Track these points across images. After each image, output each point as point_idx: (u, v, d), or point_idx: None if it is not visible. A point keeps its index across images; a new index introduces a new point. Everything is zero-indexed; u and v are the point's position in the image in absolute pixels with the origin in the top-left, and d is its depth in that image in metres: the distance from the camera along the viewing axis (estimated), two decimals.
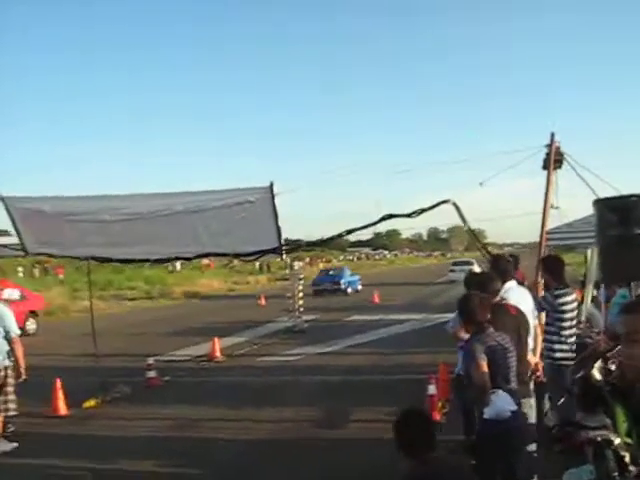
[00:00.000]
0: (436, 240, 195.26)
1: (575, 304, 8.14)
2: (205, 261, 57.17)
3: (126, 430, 10.24)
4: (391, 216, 10.01)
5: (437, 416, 9.43)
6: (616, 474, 5.64)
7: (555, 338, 7.90)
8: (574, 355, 7.95)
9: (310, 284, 41.03)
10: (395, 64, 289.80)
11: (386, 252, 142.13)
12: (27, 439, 9.55)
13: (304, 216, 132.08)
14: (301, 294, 22.66)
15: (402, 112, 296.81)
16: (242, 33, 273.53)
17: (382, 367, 14.57)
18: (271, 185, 10.01)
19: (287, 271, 60.31)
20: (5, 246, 13.64)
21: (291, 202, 10.11)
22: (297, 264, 51.82)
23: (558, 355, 7.90)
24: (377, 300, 32.69)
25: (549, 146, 9.26)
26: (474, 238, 9.96)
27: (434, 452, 4.33)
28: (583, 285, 13.47)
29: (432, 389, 9.91)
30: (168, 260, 11.50)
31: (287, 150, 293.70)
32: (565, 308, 7.87)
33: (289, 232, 10.70)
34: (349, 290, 42.86)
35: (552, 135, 9.21)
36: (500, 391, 5.44)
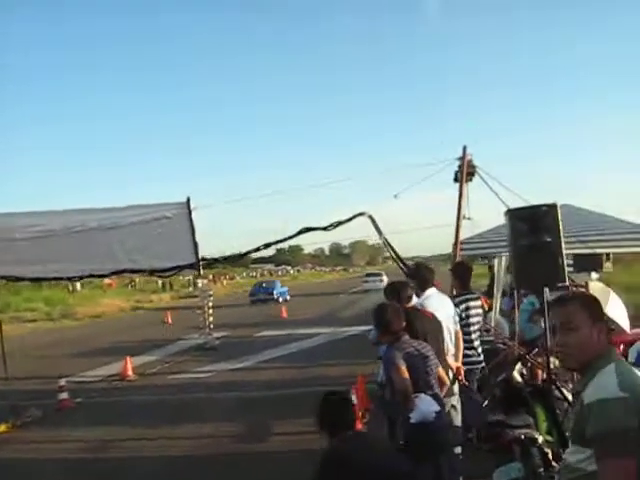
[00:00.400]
0: (338, 255, 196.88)
1: (480, 310, 8.42)
2: (107, 280, 56.00)
3: (40, 454, 9.97)
4: (308, 229, 10.13)
5: (359, 425, 9.55)
6: (541, 470, 5.90)
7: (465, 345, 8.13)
8: (480, 360, 8.26)
9: (248, 295, 50.63)
10: (311, 74, 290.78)
11: (289, 268, 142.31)
12: None
13: (215, 232, 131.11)
14: (211, 311, 22.52)
15: (317, 125, 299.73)
16: None
17: (297, 380, 14.62)
18: (188, 200, 10.02)
19: (190, 289, 60.03)
20: None
21: (204, 217, 10.10)
22: (201, 281, 51.51)
23: (465, 360, 8.16)
24: (285, 315, 32.71)
25: (461, 159, 9.58)
26: (390, 250, 10.13)
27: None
28: (486, 294, 13.87)
29: (353, 399, 10.02)
30: (82, 278, 11.25)
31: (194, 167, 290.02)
32: (470, 313, 8.13)
33: (202, 248, 10.70)
34: (280, 299, 48.26)
35: (464, 148, 9.54)
36: (422, 395, 5.61)
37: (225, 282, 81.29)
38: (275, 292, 49.64)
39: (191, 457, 9.33)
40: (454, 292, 9.45)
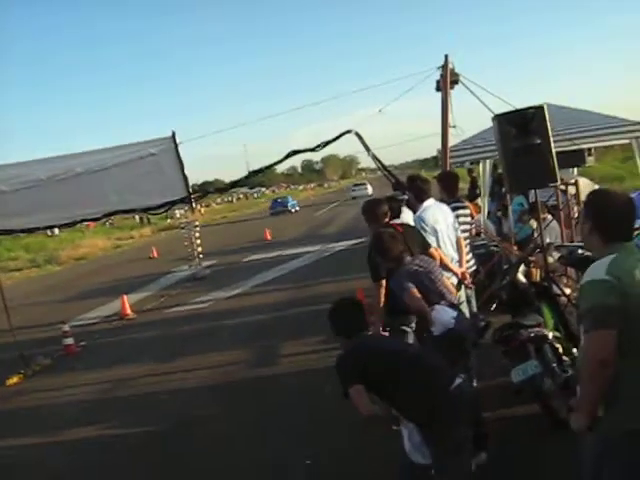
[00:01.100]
0: (311, 172, 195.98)
1: (468, 218, 8.56)
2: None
3: (59, 400, 10.16)
4: (295, 152, 10.14)
5: None
6: (555, 365, 6.15)
7: None
8: (472, 264, 8.44)
9: (269, 208, 63.75)
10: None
11: (263, 189, 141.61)
12: None
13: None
14: (199, 241, 22.55)
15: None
16: None
17: (295, 301, 14.82)
18: (173, 135, 9.96)
19: (169, 220, 59.74)
20: None
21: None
22: (178, 212, 51.35)
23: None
24: (269, 237, 32.80)
25: (443, 67, 9.55)
26: (379, 164, 10.17)
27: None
28: (466, 198, 13.97)
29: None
30: (74, 223, 11.19)
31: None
32: (459, 221, 8.26)
33: None
34: (292, 210, 61.48)
35: (446, 57, 9.50)
36: (437, 306, 5.78)
37: (202, 210, 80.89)
38: (289, 205, 62.80)
39: (205, 387, 9.56)
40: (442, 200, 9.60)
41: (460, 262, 7.58)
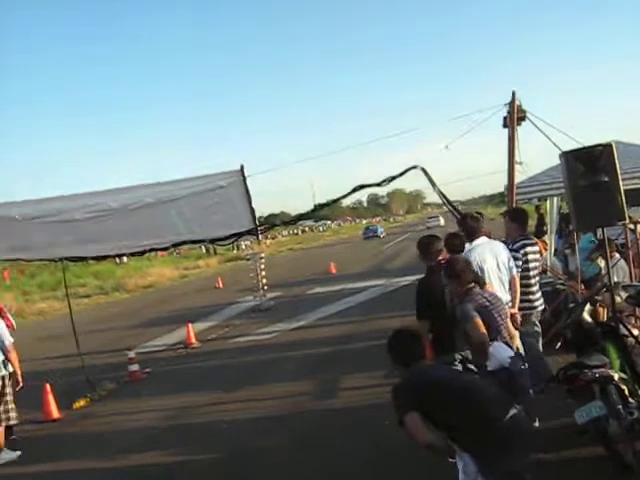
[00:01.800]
0: (376, 206, 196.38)
1: (537, 255, 8.43)
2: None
3: (123, 425, 10.30)
4: (362, 187, 10.16)
5: None
6: (620, 406, 6.00)
7: (523, 289, 8.16)
8: (540, 302, 8.31)
9: (361, 234, 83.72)
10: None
11: (328, 222, 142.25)
12: (29, 446, 9.57)
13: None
14: (264, 272, 22.73)
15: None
16: None
17: (359, 335, 14.80)
18: (242, 168, 10.09)
19: (235, 251, 60.47)
20: None
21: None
22: (244, 244, 51.96)
23: (525, 305, 8.21)
24: (334, 270, 32.87)
25: (510, 104, 9.51)
26: (444, 199, 10.15)
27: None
28: (534, 235, 13.83)
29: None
30: (144, 252, 11.45)
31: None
32: (528, 258, 8.17)
33: None
34: (381, 236, 78.30)
35: (513, 93, 9.46)
36: (495, 343, 5.74)
37: (268, 242, 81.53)
38: (378, 232, 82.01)
39: (268, 417, 9.54)
40: (509, 238, 9.51)
41: (513, 303, 7.49)
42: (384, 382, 9.91)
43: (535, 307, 8.22)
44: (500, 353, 5.68)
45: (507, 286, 7.47)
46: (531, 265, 8.17)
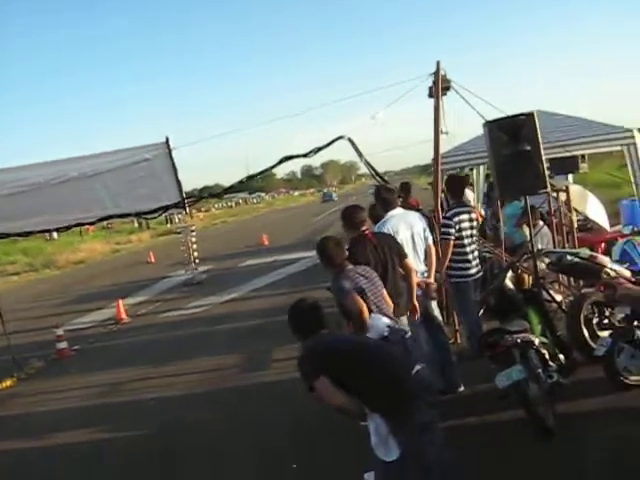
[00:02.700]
0: (310, 177, 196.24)
1: (473, 223, 8.55)
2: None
3: (51, 404, 10.18)
4: (289, 157, 10.18)
5: None
6: (540, 370, 6.21)
7: (456, 257, 8.31)
8: (476, 271, 8.45)
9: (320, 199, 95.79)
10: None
11: (263, 194, 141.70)
12: None
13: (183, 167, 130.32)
14: (195, 246, 22.60)
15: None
16: None
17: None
18: (167, 140, 9.99)
19: (168, 225, 59.84)
20: None
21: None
22: (177, 217, 51.46)
23: (458, 273, 8.37)
24: (266, 242, 32.83)
25: (435, 74, 9.59)
26: (371, 170, 10.21)
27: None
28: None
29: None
30: (69, 227, 11.26)
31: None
32: (462, 226, 8.28)
33: None
34: (335, 199, 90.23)
35: (438, 63, 9.54)
36: (372, 314, 5.87)
37: (202, 215, 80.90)
38: (333, 196, 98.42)
39: (199, 392, 9.56)
40: (444, 206, 9.67)
41: (429, 273, 7.61)
42: None
43: (471, 275, 8.34)
44: (378, 324, 5.76)
45: (422, 256, 7.59)
46: (465, 233, 8.25)
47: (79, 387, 10.81)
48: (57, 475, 7.44)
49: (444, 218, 8.50)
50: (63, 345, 13.42)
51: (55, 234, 54.01)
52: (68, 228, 11.13)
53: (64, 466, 7.64)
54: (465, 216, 8.33)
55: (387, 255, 6.77)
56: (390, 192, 7.96)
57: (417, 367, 4.59)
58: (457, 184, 8.84)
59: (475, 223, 8.63)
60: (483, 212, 14.38)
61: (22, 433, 8.96)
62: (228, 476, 6.73)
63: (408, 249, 7.26)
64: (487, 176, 14.93)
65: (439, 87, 9.57)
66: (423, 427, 4.38)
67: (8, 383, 11.63)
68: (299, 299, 5.12)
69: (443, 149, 10.21)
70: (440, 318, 8.05)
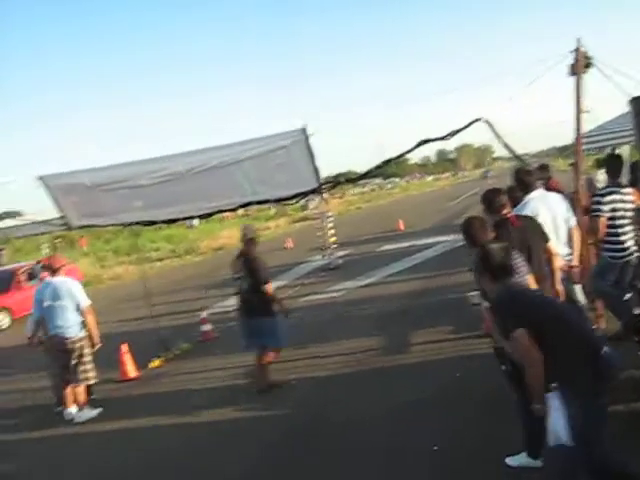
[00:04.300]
0: (445, 161, 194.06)
1: (628, 205, 8.18)
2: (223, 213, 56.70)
3: (198, 383, 10.58)
4: (425, 141, 10.06)
5: None
6: None
7: (607, 237, 8.06)
8: (629, 253, 8.10)
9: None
10: None
11: (397, 179, 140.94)
12: (108, 404, 9.93)
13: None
14: (332, 231, 22.80)
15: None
16: None
17: (430, 290, 14.77)
18: (304, 127, 10.08)
19: (305, 212, 60.62)
20: (46, 222, 13.92)
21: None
22: (312, 203, 52.04)
23: (607, 254, 8.10)
24: (402, 227, 32.72)
25: (576, 51, 9.23)
26: (511, 151, 9.99)
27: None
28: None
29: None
30: (211, 214, 11.67)
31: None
32: (615, 206, 7.99)
33: None
34: (490, 175, 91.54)
35: (578, 40, 9.18)
36: None
37: (336, 201, 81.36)
38: (489, 174, 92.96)
39: (341, 373, 9.74)
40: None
41: (572, 255, 7.38)
42: (451, 337, 10.09)
43: (619, 257, 8.06)
44: None
45: (565, 239, 7.36)
46: (617, 214, 8.01)
47: (224, 367, 11.16)
48: (202, 450, 7.72)
49: (596, 196, 8.24)
50: (207, 328, 13.88)
51: (196, 222, 56.03)
52: (210, 215, 11.52)
53: (209, 442, 7.95)
54: (618, 196, 8.05)
55: (531, 239, 6.58)
56: (529, 174, 7.77)
57: (605, 348, 4.44)
58: (615, 163, 8.54)
59: (631, 205, 8.27)
60: None
61: (171, 410, 9.35)
62: (367, 453, 6.78)
63: (549, 232, 7.05)
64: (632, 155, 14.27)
65: (580, 64, 9.20)
66: (599, 399, 4.33)
67: (156, 363, 12.14)
68: (489, 242, 5.22)
69: (584, 129, 9.83)
70: (584, 302, 7.81)
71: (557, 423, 4.36)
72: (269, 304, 9.76)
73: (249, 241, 10.31)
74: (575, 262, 7.41)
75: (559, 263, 6.91)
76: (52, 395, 10.20)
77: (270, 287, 9.81)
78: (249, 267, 10.02)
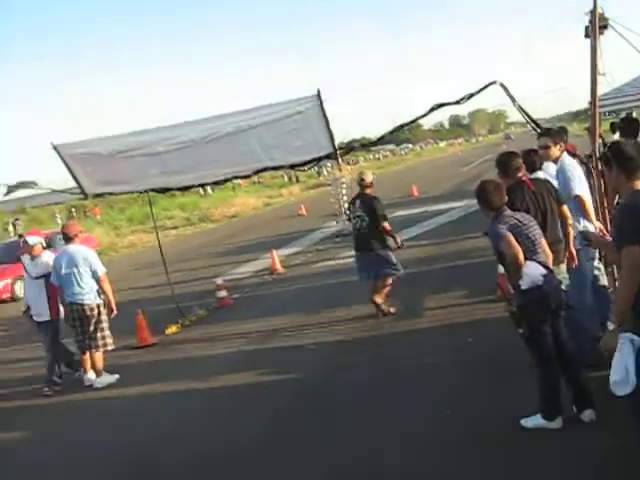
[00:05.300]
0: (458, 127, 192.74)
1: None
2: (236, 180, 56.61)
3: (215, 349, 10.70)
4: (440, 105, 10.00)
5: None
6: None
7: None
8: None
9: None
10: None
11: (410, 145, 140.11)
12: (126, 370, 10.06)
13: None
14: (345, 197, 22.79)
15: None
16: None
17: (442, 256, 14.87)
18: (318, 92, 10.08)
19: (321, 178, 60.47)
20: (63, 191, 14.03)
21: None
22: (325, 170, 51.86)
23: None
24: (416, 193, 32.70)
25: (592, 12, 9.13)
26: (525, 115, 9.94)
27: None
28: None
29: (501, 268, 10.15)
30: (226, 180, 11.76)
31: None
32: None
33: None
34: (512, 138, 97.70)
35: (594, 0, 9.07)
36: (528, 262, 5.65)
37: (350, 167, 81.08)
38: (511, 136, 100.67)
39: (355, 337, 9.86)
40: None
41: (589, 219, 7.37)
42: (463, 302, 10.19)
43: None
44: (533, 271, 5.64)
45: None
46: None
47: (240, 333, 11.26)
48: (218, 414, 7.83)
49: None
50: (223, 294, 13.98)
51: (210, 190, 56.09)
52: (226, 181, 11.61)
53: (225, 406, 8.06)
54: None
55: (546, 202, 6.59)
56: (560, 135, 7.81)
57: None
58: (631, 127, 8.50)
59: None
60: None
61: (189, 375, 9.45)
62: (380, 414, 6.89)
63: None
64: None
65: (596, 26, 9.11)
66: None
67: (173, 329, 12.27)
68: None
69: (600, 92, 9.76)
70: (600, 266, 7.81)
71: (621, 368, 4.03)
72: (384, 239, 10.72)
73: (366, 184, 11.21)
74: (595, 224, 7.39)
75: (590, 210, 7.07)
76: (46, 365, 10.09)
77: (387, 224, 10.72)
78: (368, 206, 10.75)
